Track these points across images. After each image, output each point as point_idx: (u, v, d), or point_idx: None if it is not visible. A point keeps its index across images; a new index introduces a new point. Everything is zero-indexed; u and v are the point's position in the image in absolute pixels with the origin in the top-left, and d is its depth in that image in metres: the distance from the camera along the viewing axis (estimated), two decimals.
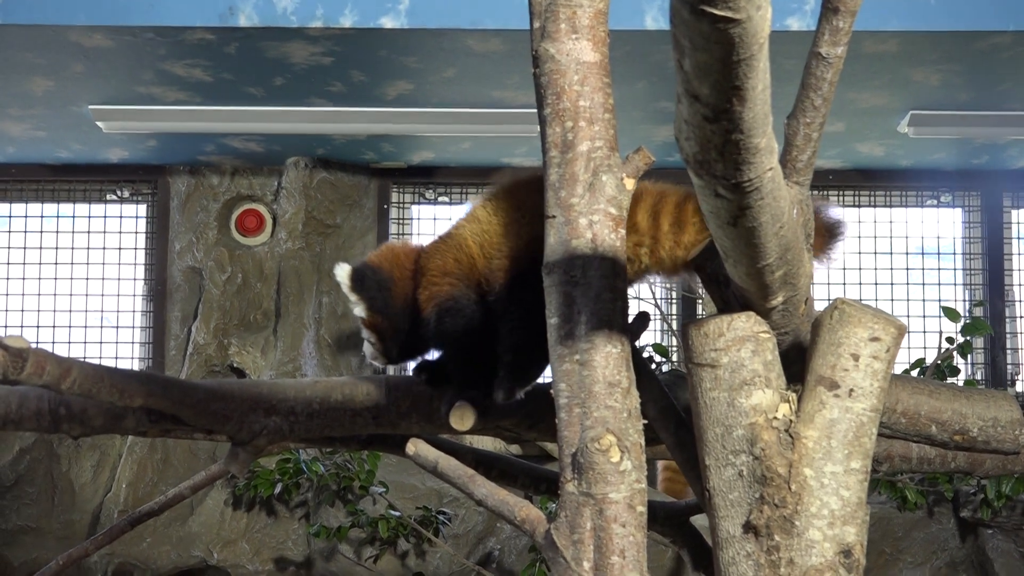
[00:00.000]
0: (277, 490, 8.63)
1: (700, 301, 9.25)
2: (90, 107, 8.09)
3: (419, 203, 9.84)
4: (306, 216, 9.30)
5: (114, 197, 9.63)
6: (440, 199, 9.79)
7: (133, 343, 9.50)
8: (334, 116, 8.28)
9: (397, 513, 8.51)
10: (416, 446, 3.24)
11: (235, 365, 9.19)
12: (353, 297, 4.22)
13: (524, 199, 4.01)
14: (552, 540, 2.99)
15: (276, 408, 3.99)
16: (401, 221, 9.68)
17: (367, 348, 4.34)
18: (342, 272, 4.24)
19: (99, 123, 8.24)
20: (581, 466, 2.95)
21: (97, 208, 9.65)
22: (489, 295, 4.04)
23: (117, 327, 9.52)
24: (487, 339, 4.01)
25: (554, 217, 3.10)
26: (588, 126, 3.11)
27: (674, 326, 9.31)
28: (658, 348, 8.85)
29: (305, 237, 9.28)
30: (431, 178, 9.68)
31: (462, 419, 3.89)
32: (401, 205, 9.72)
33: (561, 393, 3.03)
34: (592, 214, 3.08)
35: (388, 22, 6.95)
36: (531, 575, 8.16)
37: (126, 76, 7.66)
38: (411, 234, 9.69)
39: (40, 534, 8.82)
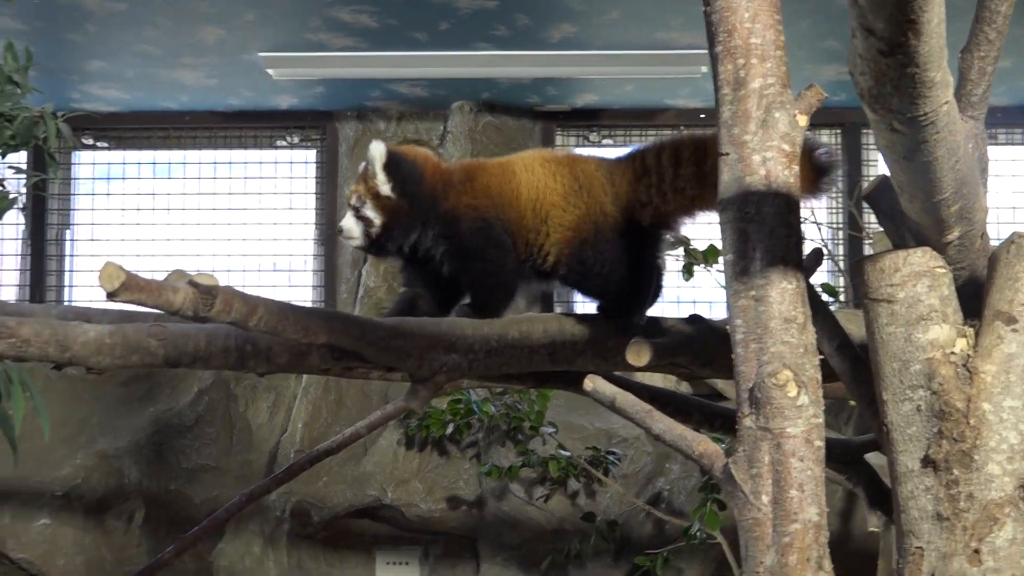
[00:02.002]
0: (449, 430, 8.74)
1: (868, 241, 9.17)
2: (260, 54, 8.22)
3: (583, 146, 9.84)
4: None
5: (284, 143, 9.78)
6: (604, 141, 9.80)
7: (305, 287, 9.66)
8: (499, 60, 8.32)
9: (567, 453, 8.57)
10: (594, 382, 3.28)
11: None
12: (383, 176, 4.48)
13: (581, 177, 4.42)
14: (730, 474, 3.02)
15: (455, 346, 4.06)
16: None
17: (352, 223, 4.56)
18: (378, 149, 4.52)
19: (269, 70, 8.37)
20: (758, 401, 2.98)
21: (268, 154, 9.81)
22: (537, 260, 4.49)
23: (290, 271, 9.68)
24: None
25: (727, 154, 3.11)
26: (760, 63, 3.12)
27: (841, 265, 9.25)
28: (827, 288, 8.81)
29: None
30: (595, 121, 9.69)
31: (638, 355, 3.92)
32: (565, 148, 9.75)
33: (737, 329, 3.05)
34: (765, 151, 3.08)
35: None
36: (702, 515, 8.18)
37: (295, 23, 7.77)
38: None
39: (219, 473, 9.03)
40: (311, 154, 9.77)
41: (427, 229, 4.46)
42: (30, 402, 5.09)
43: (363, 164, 4.58)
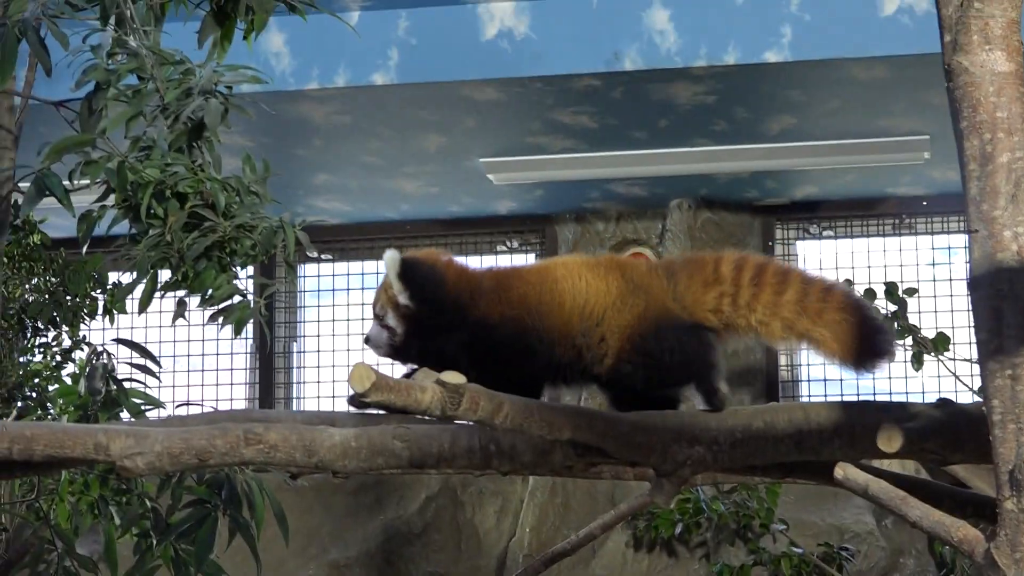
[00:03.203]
0: (677, 530, 8.66)
1: None
2: (481, 160, 8.33)
3: (803, 239, 9.77)
4: None
5: (504, 248, 9.87)
6: (825, 233, 9.70)
7: None
8: (717, 155, 8.31)
9: (799, 550, 8.44)
10: (845, 470, 3.23)
11: None
12: (398, 285, 4.35)
13: (636, 278, 4.35)
14: (993, 560, 2.94)
15: (698, 438, 4.01)
16: (786, 257, 9.62)
17: (376, 332, 4.45)
18: (392, 258, 4.39)
19: (489, 175, 8.47)
20: (1019, 483, 2.90)
21: (488, 260, 9.88)
22: (590, 362, 4.35)
23: None
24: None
25: (977, 231, 3.06)
26: (1007, 137, 3.07)
27: None
28: None
29: None
30: (815, 213, 9.61)
31: (890, 441, 3.84)
32: (785, 242, 9.68)
33: (994, 410, 2.98)
34: (1016, 226, 3.02)
35: (772, 56, 6.95)
36: None
37: (515, 127, 7.86)
38: None
39: None
40: (531, 258, 9.84)
41: (451, 336, 4.39)
42: (269, 511, 5.17)
43: (383, 273, 4.52)
